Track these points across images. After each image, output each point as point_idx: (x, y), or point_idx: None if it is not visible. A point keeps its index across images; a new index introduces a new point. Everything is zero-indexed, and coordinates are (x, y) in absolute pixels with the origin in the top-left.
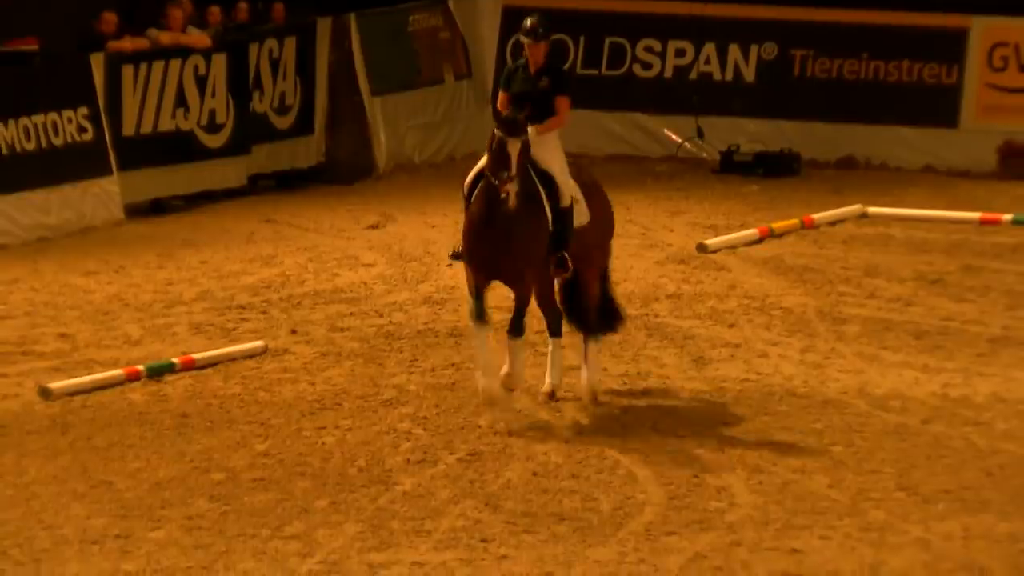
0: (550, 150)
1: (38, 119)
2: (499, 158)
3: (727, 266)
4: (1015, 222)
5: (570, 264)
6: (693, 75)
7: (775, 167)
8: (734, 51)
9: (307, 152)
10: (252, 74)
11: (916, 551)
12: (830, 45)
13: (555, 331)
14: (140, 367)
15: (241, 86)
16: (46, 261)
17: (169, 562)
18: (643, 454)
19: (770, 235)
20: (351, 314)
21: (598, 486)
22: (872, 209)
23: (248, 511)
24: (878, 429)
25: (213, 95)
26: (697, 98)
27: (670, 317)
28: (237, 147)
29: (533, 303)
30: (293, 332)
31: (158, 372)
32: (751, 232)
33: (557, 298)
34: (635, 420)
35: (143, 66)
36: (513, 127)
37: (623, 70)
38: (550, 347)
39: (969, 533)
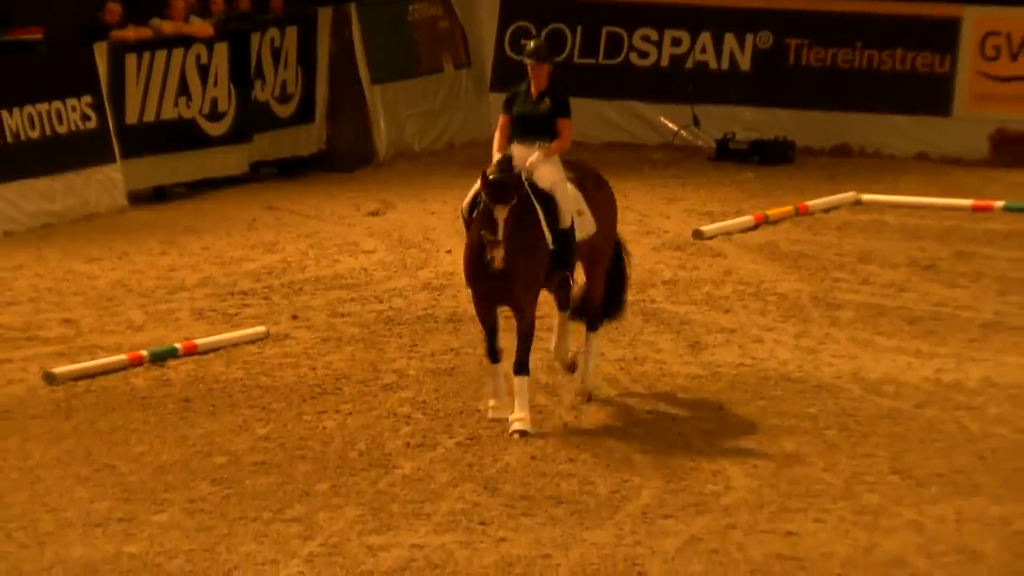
0: (550, 171)
1: (42, 107)
2: (487, 223)
3: (723, 252)
4: (1007, 209)
5: (572, 281)
6: (689, 64)
7: (770, 155)
8: (730, 40)
9: (308, 140)
10: (254, 63)
11: (909, 534)
12: (825, 34)
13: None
14: (143, 352)
15: (243, 75)
16: (50, 248)
17: (172, 544)
18: (639, 438)
19: (765, 222)
20: (351, 300)
21: (595, 470)
22: (866, 196)
23: (250, 494)
24: (872, 413)
25: (215, 84)
26: (693, 87)
27: (666, 303)
28: (239, 135)
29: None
30: (294, 318)
31: (161, 357)
32: (746, 219)
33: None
34: (632, 405)
35: (146, 55)
36: (500, 194)
37: (620, 59)
38: (557, 319)
39: (962, 516)
